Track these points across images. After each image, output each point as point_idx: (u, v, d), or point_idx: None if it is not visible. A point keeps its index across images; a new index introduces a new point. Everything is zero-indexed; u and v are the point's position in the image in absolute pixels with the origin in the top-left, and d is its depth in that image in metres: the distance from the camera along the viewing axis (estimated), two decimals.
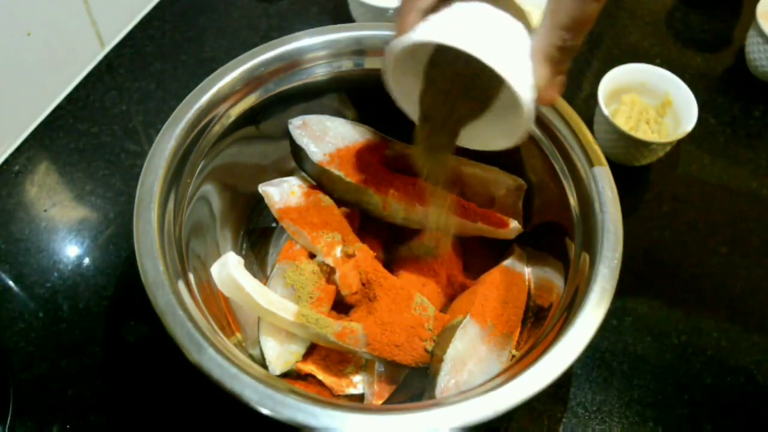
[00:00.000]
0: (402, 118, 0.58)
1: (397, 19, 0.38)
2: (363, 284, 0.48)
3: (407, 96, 0.44)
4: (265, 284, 0.48)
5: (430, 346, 0.46)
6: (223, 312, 0.48)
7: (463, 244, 0.55)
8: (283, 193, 0.53)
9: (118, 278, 0.58)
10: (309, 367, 0.48)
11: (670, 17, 0.82)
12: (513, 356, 0.47)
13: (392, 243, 0.55)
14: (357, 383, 0.48)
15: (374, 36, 0.53)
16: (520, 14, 0.37)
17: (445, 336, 0.46)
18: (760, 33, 0.70)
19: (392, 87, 0.42)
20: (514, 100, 0.36)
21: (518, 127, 0.39)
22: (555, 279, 0.48)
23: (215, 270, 0.46)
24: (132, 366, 0.53)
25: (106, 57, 0.73)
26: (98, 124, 0.68)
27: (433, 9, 0.37)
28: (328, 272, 0.49)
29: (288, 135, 0.53)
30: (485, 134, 0.43)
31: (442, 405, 0.37)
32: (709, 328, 0.57)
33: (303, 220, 0.51)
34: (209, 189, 0.51)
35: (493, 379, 0.42)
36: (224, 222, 0.54)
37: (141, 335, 0.54)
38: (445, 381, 0.43)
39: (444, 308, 0.50)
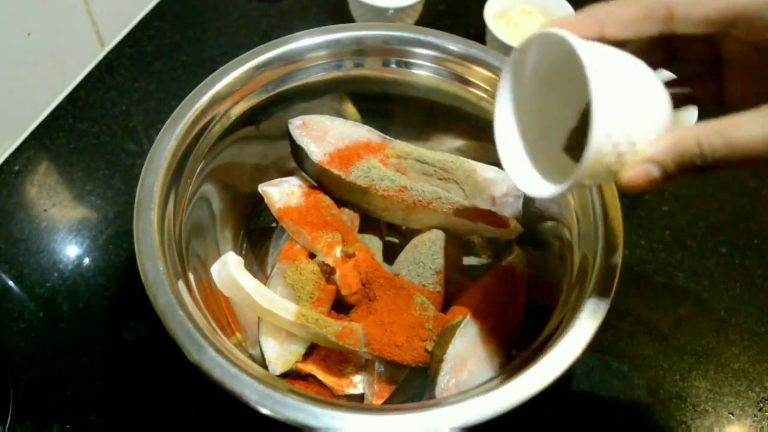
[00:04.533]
0: (402, 118, 0.58)
1: (581, 13, 0.34)
2: (363, 284, 0.48)
3: (519, 88, 0.39)
4: (265, 284, 0.48)
5: (430, 346, 0.46)
6: (223, 312, 0.48)
7: (463, 244, 0.55)
8: (283, 193, 0.53)
9: (118, 278, 0.58)
10: (309, 367, 0.48)
11: None
12: (513, 356, 0.47)
13: (392, 243, 0.55)
14: (357, 383, 0.48)
15: (374, 36, 0.53)
16: (671, 107, 0.34)
17: (445, 336, 0.46)
18: None
19: (513, 68, 0.38)
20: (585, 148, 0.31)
21: (560, 178, 0.36)
22: (555, 279, 0.48)
23: (215, 270, 0.46)
24: (132, 366, 0.53)
25: (106, 57, 0.73)
26: (98, 124, 0.68)
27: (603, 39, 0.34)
28: (328, 272, 0.49)
29: (288, 135, 0.53)
30: (538, 166, 0.39)
31: (442, 405, 0.37)
32: (708, 328, 0.57)
33: (303, 220, 0.51)
34: (209, 189, 0.51)
35: (493, 379, 0.42)
36: (224, 222, 0.54)
37: (141, 335, 0.54)
38: (445, 381, 0.43)
39: (444, 308, 0.50)
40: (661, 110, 0.33)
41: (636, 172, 0.32)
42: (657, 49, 0.37)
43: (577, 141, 0.38)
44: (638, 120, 0.32)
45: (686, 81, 0.38)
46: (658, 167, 0.31)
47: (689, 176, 0.32)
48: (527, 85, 0.39)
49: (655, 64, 0.36)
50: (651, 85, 0.33)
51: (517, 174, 0.39)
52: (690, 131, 0.31)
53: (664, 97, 0.34)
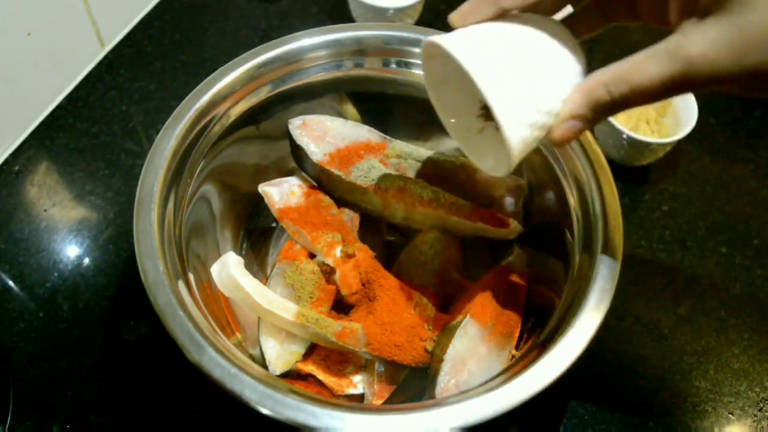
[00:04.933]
0: (402, 118, 0.58)
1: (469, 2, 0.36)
2: (363, 284, 0.48)
3: (440, 87, 0.43)
4: (265, 284, 0.48)
5: (430, 346, 0.46)
6: (223, 312, 0.48)
7: (463, 244, 0.55)
8: (283, 193, 0.53)
9: (118, 278, 0.58)
10: (309, 367, 0.48)
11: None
12: (513, 356, 0.47)
13: (392, 243, 0.55)
14: (357, 383, 0.48)
15: (374, 36, 0.53)
16: (575, 53, 0.36)
17: (445, 336, 0.46)
18: None
19: (426, 73, 0.41)
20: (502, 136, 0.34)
21: (502, 165, 0.39)
22: (555, 279, 0.48)
23: (215, 270, 0.46)
24: (132, 366, 0.53)
25: (106, 57, 0.73)
26: (98, 124, 0.68)
27: (502, 14, 0.36)
28: (328, 272, 0.49)
29: (288, 135, 0.53)
30: (485, 150, 0.43)
31: (442, 405, 0.37)
32: (708, 328, 0.57)
33: (303, 220, 0.51)
34: (209, 189, 0.51)
35: (493, 379, 0.42)
36: (224, 222, 0.54)
37: (141, 335, 0.54)
38: (445, 381, 0.43)
39: (444, 308, 0.50)
40: (567, 67, 0.35)
41: (563, 130, 0.35)
42: None
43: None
44: (545, 91, 0.34)
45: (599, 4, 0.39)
46: (579, 120, 0.34)
47: (608, 116, 0.35)
48: (443, 82, 0.41)
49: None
50: (549, 47, 0.35)
51: (475, 156, 0.43)
52: (598, 79, 0.33)
53: (566, 51, 0.35)
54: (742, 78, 0.30)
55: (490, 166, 0.42)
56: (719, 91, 0.32)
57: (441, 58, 0.36)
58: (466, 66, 0.33)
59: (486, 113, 0.42)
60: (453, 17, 0.37)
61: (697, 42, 0.30)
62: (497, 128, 0.35)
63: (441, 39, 0.35)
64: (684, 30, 0.31)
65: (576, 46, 0.36)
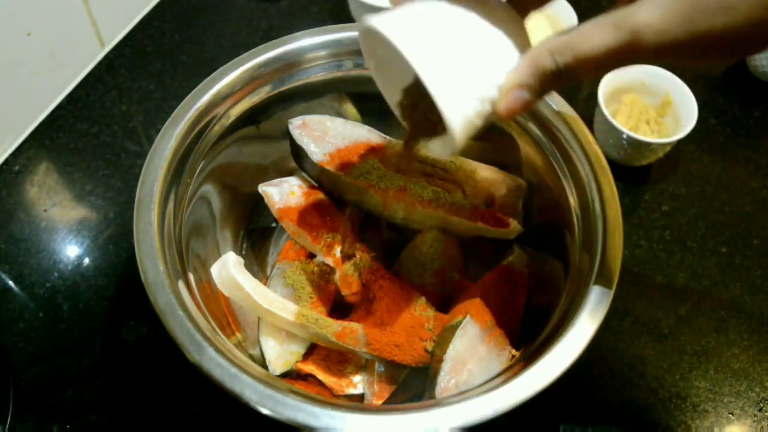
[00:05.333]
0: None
1: None
2: (363, 284, 0.48)
3: (384, 69, 0.41)
4: (265, 284, 0.48)
5: (430, 346, 0.46)
6: (223, 312, 0.48)
7: (463, 244, 0.55)
8: (283, 193, 0.53)
9: (118, 278, 0.58)
10: (309, 367, 0.48)
11: None
12: (513, 356, 0.47)
13: (392, 243, 0.55)
14: (357, 383, 0.48)
15: None
16: (517, 32, 0.35)
17: (445, 336, 0.46)
18: None
19: (367, 55, 0.40)
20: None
21: (447, 145, 0.38)
22: (555, 279, 0.48)
23: (215, 270, 0.46)
24: (132, 366, 0.53)
25: (106, 57, 0.73)
26: (98, 124, 0.68)
27: None
28: (328, 272, 0.49)
29: (288, 135, 0.53)
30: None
31: (442, 405, 0.37)
32: (708, 328, 0.57)
33: (303, 220, 0.51)
34: (209, 189, 0.51)
35: (493, 379, 0.42)
36: (224, 222, 0.54)
37: (141, 335, 0.54)
38: (445, 381, 0.43)
39: (444, 308, 0.50)
40: (506, 39, 0.34)
41: (508, 100, 0.33)
42: None
43: None
44: (485, 65, 0.33)
45: None
46: (526, 90, 0.33)
47: (555, 88, 0.34)
48: (385, 62, 0.40)
49: None
50: (486, 20, 0.34)
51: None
52: (543, 48, 0.32)
53: (504, 24, 0.34)
54: (692, 45, 0.30)
55: (438, 148, 0.41)
56: (668, 61, 0.31)
57: (379, 40, 0.35)
58: (399, 47, 0.32)
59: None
60: None
61: (644, 12, 0.29)
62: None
63: (376, 22, 0.34)
64: (632, 1, 0.30)
65: (516, 18, 0.35)
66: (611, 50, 0.30)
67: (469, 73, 0.33)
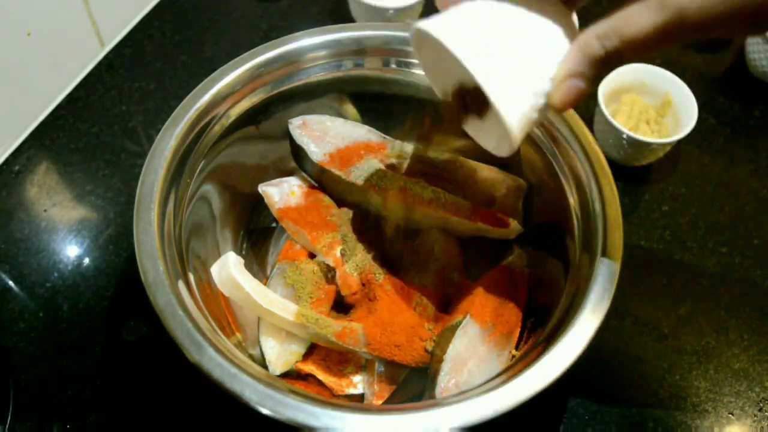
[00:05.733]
0: (402, 118, 0.58)
1: None
2: (363, 284, 0.48)
3: (435, 67, 0.42)
4: (265, 284, 0.48)
5: (430, 346, 0.46)
6: (223, 312, 0.48)
7: (463, 244, 0.55)
8: (283, 193, 0.53)
9: (118, 278, 0.58)
10: (309, 367, 0.48)
11: None
12: (513, 356, 0.47)
13: (392, 243, 0.55)
14: (357, 383, 0.48)
15: (374, 36, 0.53)
16: (565, 22, 0.35)
17: (445, 336, 0.46)
18: None
19: (419, 56, 0.41)
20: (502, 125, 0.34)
21: (504, 143, 0.39)
22: (555, 279, 0.48)
23: (215, 270, 0.46)
24: (132, 366, 0.53)
25: (106, 57, 0.73)
26: (98, 124, 0.68)
27: None
28: (328, 272, 0.49)
29: (288, 135, 0.53)
30: (488, 130, 0.43)
31: (442, 405, 0.37)
32: (708, 328, 0.57)
33: (303, 220, 0.51)
34: (209, 189, 0.51)
35: (493, 379, 0.42)
36: (224, 222, 0.54)
37: (141, 335, 0.54)
38: (445, 381, 0.43)
39: (444, 308, 0.50)
40: (555, 32, 0.34)
41: (563, 91, 0.34)
42: None
43: None
44: (536, 60, 0.34)
45: None
46: (580, 78, 0.33)
47: (606, 73, 0.34)
48: (438, 64, 0.41)
49: None
50: (535, 15, 0.34)
51: (479, 137, 0.42)
52: (590, 34, 0.32)
53: (552, 16, 0.35)
54: (731, 19, 0.30)
55: (493, 146, 0.42)
56: (715, 35, 0.32)
57: (431, 42, 0.35)
58: (453, 50, 0.33)
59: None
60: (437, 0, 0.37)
61: None
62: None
63: (428, 25, 0.34)
64: None
65: (562, 8, 0.36)
66: (658, 30, 0.31)
67: (522, 70, 0.33)
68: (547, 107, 0.35)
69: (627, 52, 0.32)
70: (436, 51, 0.37)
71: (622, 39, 0.31)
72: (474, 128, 0.43)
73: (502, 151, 0.41)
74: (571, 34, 0.35)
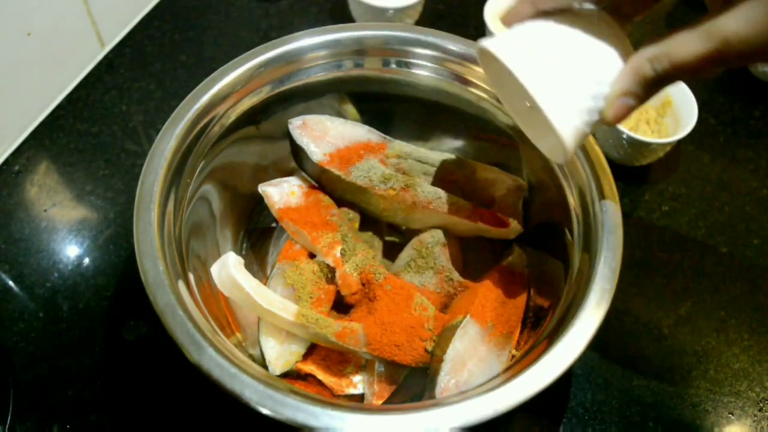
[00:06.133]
0: (402, 118, 0.58)
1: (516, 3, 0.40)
2: (363, 284, 0.48)
3: (502, 85, 0.45)
4: (265, 284, 0.48)
5: (430, 346, 0.46)
6: (223, 312, 0.48)
7: (463, 244, 0.55)
8: (283, 193, 0.53)
9: (118, 278, 0.58)
10: (309, 367, 0.48)
11: (671, 17, 0.82)
12: (513, 356, 0.47)
13: (392, 243, 0.55)
14: (357, 383, 0.48)
15: (374, 36, 0.53)
16: (619, 41, 0.38)
17: (445, 336, 0.46)
18: None
19: (486, 73, 0.44)
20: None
21: (559, 152, 0.41)
22: (555, 279, 0.48)
23: (215, 270, 0.46)
24: (132, 366, 0.53)
25: (106, 57, 0.73)
26: (98, 124, 0.68)
27: (543, 14, 0.39)
28: (328, 272, 0.49)
29: (288, 135, 0.53)
30: (546, 135, 0.44)
31: (442, 405, 0.37)
32: (709, 328, 0.57)
33: (303, 220, 0.51)
34: (209, 189, 0.51)
35: (493, 379, 0.42)
36: (224, 222, 0.54)
37: (141, 335, 0.54)
38: (445, 381, 0.43)
39: (444, 308, 0.50)
40: (609, 52, 0.37)
41: (616, 108, 0.37)
42: None
43: None
44: (590, 79, 0.37)
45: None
46: (631, 97, 0.37)
47: (656, 92, 0.37)
48: (502, 77, 0.43)
49: None
50: (590, 36, 0.37)
51: (537, 139, 0.45)
52: (643, 56, 0.35)
53: (607, 37, 0.38)
54: None
55: (549, 149, 0.44)
56: (749, 63, 0.35)
57: (494, 60, 0.38)
58: (510, 67, 0.36)
59: None
60: (501, 18, 0.41)
61: (732, 22, 0.32)
62: None
63: (489, 44, 0.38)
64: (720, 10, 0.33)
65: (617, 30, 0.38)
66: (704, 57, 0.33)
67: (578, 88, 0.37)
68: (599, 122, 0.38)
69: (675, 75, 0.35)
70: (500, 69, 0.40)
71: (671, 63, 0.34)
72: (532, 133, 0.45)
73: (557, 158, 0.43)
74: (625, 54, 0.37)
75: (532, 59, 0.36)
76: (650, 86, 0.36)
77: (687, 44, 0.34)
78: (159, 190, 0.43)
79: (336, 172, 0.51)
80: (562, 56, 0.37)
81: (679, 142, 0.62)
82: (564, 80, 0.36)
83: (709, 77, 0.38)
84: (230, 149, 0.52)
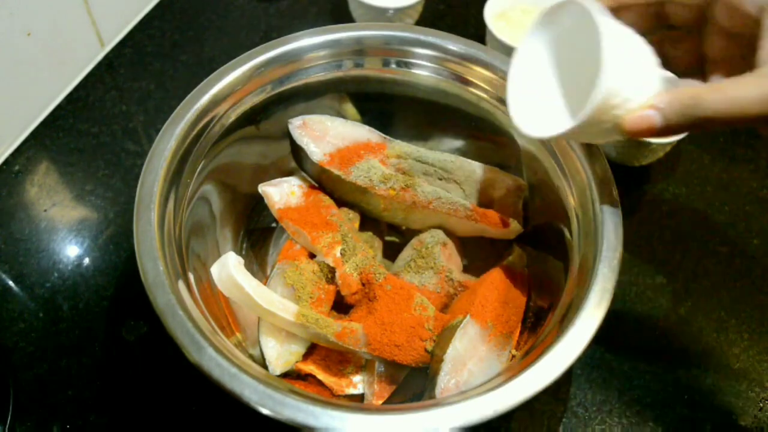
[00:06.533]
0: (402, 118, 0.58)
1: None
2: (363, 284, 0.48)
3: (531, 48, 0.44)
4: (265, 284, 0.48)
5: (430, 346, 0.46)
6: (223, 312, 0.48)
7: (463, 244, 0.55)
8: (283, 193, 0.53)
9: (118, 278, 0.58)
10: (309, 367, 0.48)
11: None
12: (513, 356, 0.47)
13: (392, 243, 0.55)
14: (357, 383, 0.48)
15: (374, 36, 0.53)
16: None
17: (445, 336, 0.46)
18: None
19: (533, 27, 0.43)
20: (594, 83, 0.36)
21: (551, 125, 0.41)
22: (555, 279, 0.48)
23: (215, 270, 0.46)
24: (132, 366, 0.53)
25: (106, 57, 0.73)
26: (98, 124, 0.68)
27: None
28: (328, 272, 0.49)
29: (288, 135, 0.53)
30: (537, 109, 0.44)
31: (442, 405, 0.37)
32: (709, 328, 0.57)
33: (303, 220, 0.51)
34: (209, 189, 0.51)
35: (493, 379, 0.42)
36: (224, 222, 0.54)
37: (141, 335, 0.54)
38: (445, 381, 0.43)
39: (444, 308, 0.50)
40: (653, 69, 0.38)
41: (638, 116, 0.36)
42: (650, 11, 0.42)
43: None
44: (635, 81, 0.37)
45: (673, 42, 0.43)
46: (659, 114, 0.35)
47: (685, 130, 0.36)
48: (549, 42, 0.43)
49: (646, 27, 0.42)
50: (645, 52, 0.38)
51: (519, 114, 0.44)
52: (688, 88, 0.35)
53: (653, 57, 0.39)
54: None
55: (526, 123, 0.43)
56: None
57: (581, 15, 0.38)
58: (601, 27, 0.36)
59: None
60: None
61: None
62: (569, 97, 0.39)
63: (591, 5, 0.37)
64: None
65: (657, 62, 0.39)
66: (759, 119, 0.34)
67: (627, 78, 0.36)
68: (615, 128, 0.38)
69: (722, 116, 0.34)
70: (570, 29, 0.41)
71: (724, 100, 0.34)
72: (520, 102, 0.44)
73: (538, 132, 0.42)
74: (660, 73, 0.38)
75: (615, 40, 0.36)
76: (686, 117, 0.35)
77: (746, 85, 0.33)
78: (159, 190, 0.43)
79: (336, 172, 0.51)
80: (630, 50, 0.37)
81: (679, 142, 0.62)
82: (626, 70, 0.36)
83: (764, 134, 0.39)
84: (230, 149, 0.52)
